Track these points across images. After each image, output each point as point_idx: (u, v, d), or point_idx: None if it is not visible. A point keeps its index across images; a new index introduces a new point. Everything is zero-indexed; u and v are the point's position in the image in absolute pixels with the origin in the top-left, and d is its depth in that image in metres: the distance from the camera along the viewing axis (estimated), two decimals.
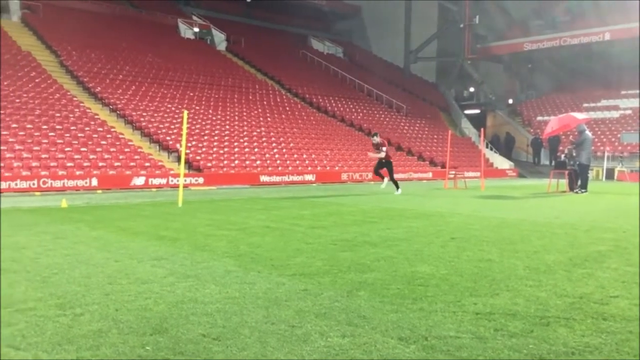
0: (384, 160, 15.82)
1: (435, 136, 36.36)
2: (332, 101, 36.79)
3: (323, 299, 3.87)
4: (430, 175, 29.62)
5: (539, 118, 38.74)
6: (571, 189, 16.90)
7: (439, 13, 48.65)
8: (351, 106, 37.17)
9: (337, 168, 26.46)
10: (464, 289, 4.19)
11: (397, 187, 15.87)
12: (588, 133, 16.83)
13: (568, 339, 3.06)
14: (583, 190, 16.38)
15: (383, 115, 37.61)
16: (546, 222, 8.61)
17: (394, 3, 46.89)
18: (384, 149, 15.79)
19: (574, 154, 17.03)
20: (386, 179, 16.05)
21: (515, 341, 3.03)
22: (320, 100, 36.23)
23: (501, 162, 35.56)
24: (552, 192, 17.13)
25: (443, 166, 28.94)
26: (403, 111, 39.27)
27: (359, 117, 35.42)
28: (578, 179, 16.78)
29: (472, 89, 47.41)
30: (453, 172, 22.15)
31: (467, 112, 43.45)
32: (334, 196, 15.25)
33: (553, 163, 23.85)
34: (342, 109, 36.14)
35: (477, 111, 44.51)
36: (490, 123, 42.93)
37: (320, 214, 9.82)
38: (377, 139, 16.04)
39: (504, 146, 38.98)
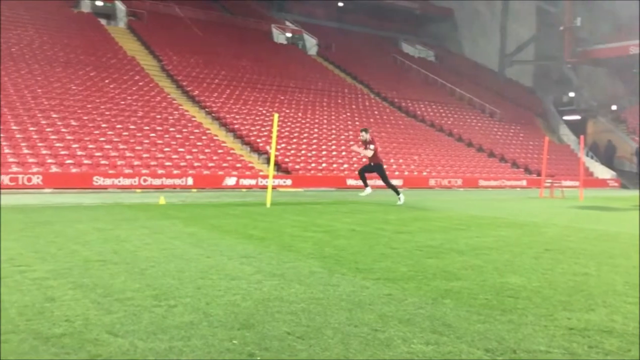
0: (372, 164, 13.75)
1: (531, 143, 34.92)
2: (422, 105, 36.30)
3: (407, 305, 3.82)
4: (524, 183, 28.50)
5: None
6: None
7: (537, 15, 46.70)
8: (441, 111, 36.49)
9: (424, 173, 26.06)
10: (557, 302, 3.99)
11: (398, 193, 13.69)
12: None
13: None
14: None
15: (475, 120, 36.63)
16: None
17: (489, 5, 45.57)
18: (372, 147, 13.61)
19: None
20: (368, 189, 13.91)
21: None
22: (410, 104, 35.85)
23: (602, 172, 33.56)
24: None
25: (539, 174, 27.75)
26: (496, 116, 38.04)
27: (449, 122, 34.70)
28: None
29: (571, 94, 45.05)
30: (549, 181, 21.16)
31: (566, 118, 41.39)
32: (421, 201, 15.02)
33: None
34: (431, 113, 35.57)
35: (577, 117, 42.25)
36: (591, 130, 40.61)
37: (406, 219, 9.70)
38: (366, 136, 13.85)
39: (604, 155, 36.75)
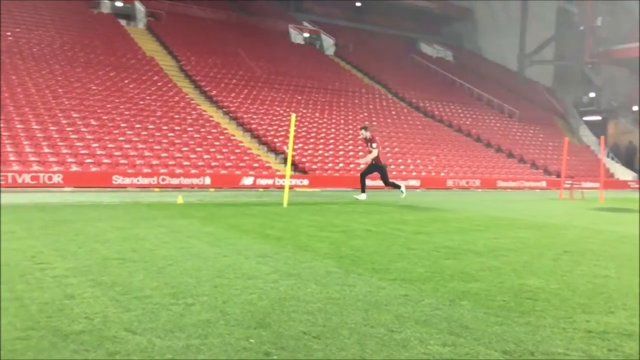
0: (374, 163, 13.34)
1: (551, 143, 34.57)
2: (440, 106, 36.12)
3: (424, 306, 3.80)
4: (544, 184, 28.22)
5: None
6: None
7: (557, 14, 46.20)
8: (459, 111, 36.28)
9: (442, 174, 25.92)
10: (576, 305, 3.95)
11: (399, 187, 13.60)
12: None
13: None
14: None
15: (494, 121, 36.37)
16: None
17: (508, 4, 45.18)
18: (375, 145, 13.24)
19: None
20: (364, 195, 13.50)
21: None
22: (427, 104, 35.69)
23: (623, 173, 33.11)
24: None
25: (558, 175, 27.44)
26: (515, 117, 37.71)
27: (467, 123, 34.48)
28: None
29: (592, 95, 44.49)
30: (569, 182, 20.92)
31: (586, 118, 40.90)
32: (439, 202, 14.94)
33: None
34: (449, 113, 35.38)
35: (598, 118, 41.72)
36: (612, 131, 40.07)
37: (424, 219, 9.66)
38: (366, 134, 13.44)
39: (625, 156, 36.23)
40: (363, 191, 13.51)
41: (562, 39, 45.08)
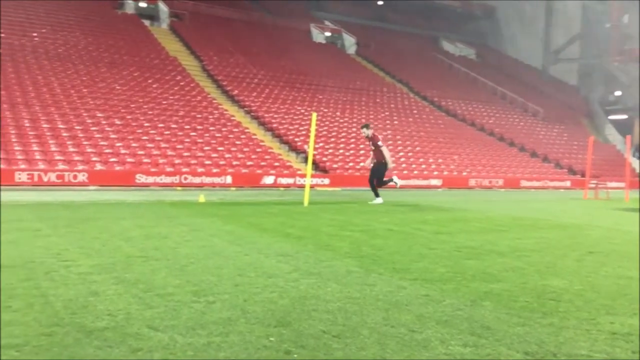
0: (377, 163, 12.96)
1: (575, 143, 34.07)
2: (462, 104, 35.83)
3: (445, 306, 3.78)
4: (568, 184, 27.82)
5: None
6: None
7: (582, 12, 45.49)
8: (482, 110, 35.95)
9: (464, 173, 25.71)
10: (600, 306, 3.89)
11: (377, 196, 12.92)
12: None
13: None
14: None
15: (517, 120, 35.97)
16: None
17: (533, 2, 44.61)
18: (380, 143, 12.86)
19: None
20: (379, 199, 12.82)
21: None
22: (450, 103, 35.43)
23: None
24: None
25: (583, 175, 27.04)
26: (539, 115, 37.23)
27: (490, 122, 34.15)
28: None
29: (618, 93, 43.70)
30: (594, 182, 20.59)
31: (612, 117, 40.19)
32: (461, 202, 14.82)
33: None
34: (472, 112, 35.07)
35: (624, 117, 40.95)
36: (638, 130, 39.32)
37: (445, 219, 9.59)
38: (367, 132, 13.00)
39: None
40: (377, 195, 12.97)
41: (587, 36, 44.36)
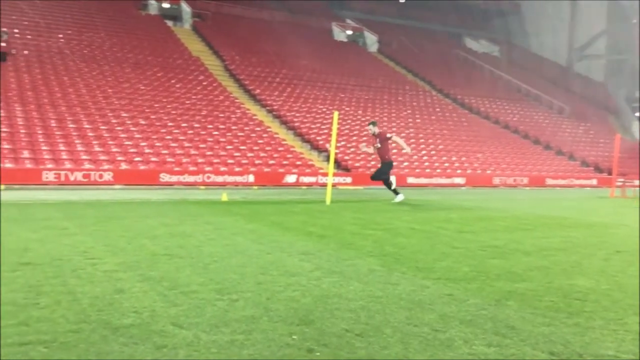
0: (384, 161, 12.70)
1: (602, 140, 33.48)
2: (486, 102, 35.47)
3: (469, 306, 3.75)
4: (594, 182, 27.35)
5: None
6: None
7: (608, 8, 44.66)
8: (506, 107, 35.55)
9: (488, 172, 25.45)
10: (628, 306, 3.82)
11: (393, 190, 12.60)
12: None
13: None
14: None
15: (542, 117, 35.49)
16: None
17: None
18: (390, 135, 12.70)
19: None
20: (400, 195, 12.50)
21: None
22: (473, 101, 35.10)
23: None
24: None
25: (609, 173, 26.56)
26: (565, 113, 36.68)
27: (514, 119, 33.76)
28: None
29: None
30: (621, 180, 20.20)
31: (639, 114, 39.38)
32: (484, 200, 14.68)
33: None
34: (496, 110, 34.70)
35: None
36: None
37: (469, 218, 9.51)
38: (374, 129, 12.65)
39: None
40: (396, 192, 12.57)
41: (613, 32, 43.55)
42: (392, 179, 12.77)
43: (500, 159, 27.35)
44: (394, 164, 13.62)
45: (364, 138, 25.61)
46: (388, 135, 12.76)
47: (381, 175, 12.79)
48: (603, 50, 45.45)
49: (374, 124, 12.92)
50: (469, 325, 3.31)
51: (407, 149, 13.45)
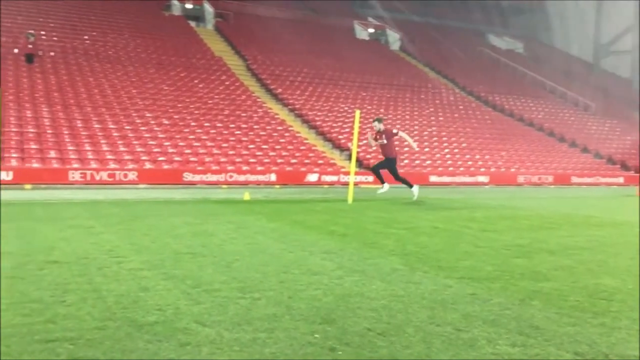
0: (385, 157, 12.59)
1: (629, 138, 32.79)
2: (510, 99, 35.04)
3: (492, 305, 3.72)
4: (621, 180, 26.83)
5: None
6: None
7: (635, 3, 43.73)
8: (531, 104, 35.08)
9: (513, 170, 25.15)
10: None
11: (411, 186, 12.63)
12: None
13: None
14: None
15: (567, 114, 34.94)
16: None
17: None
18: (395, 131, 12.61)
19: None
20: (386, 185, 12.71)
21: None
22: (497, 98, 34.71)
23: None
24: None
25: (636, 171, 26.06)
26: (591, 110, 36.06)
27: (539, 117, 33.29)
28: None
29: None
30: None
31: None
32: (509, 199, 14.51)
33: None
34: (520, 107, 34.26)
35: None
36: None
37: (493, 216, 9.42)
38: (379, 126, 12.45)
39: None
40: (382, 182, 12.67)
41: None
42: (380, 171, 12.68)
43: (525, 157, 27.00)
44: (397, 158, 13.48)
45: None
46: (394, 131, 12.62)
47: (378, 171, 12.69)
48: (630, 46, 44.55)
49: (379, 120, 12.74)
50: (492, 325, 3.28)
51: (414, 145, 13.77)
